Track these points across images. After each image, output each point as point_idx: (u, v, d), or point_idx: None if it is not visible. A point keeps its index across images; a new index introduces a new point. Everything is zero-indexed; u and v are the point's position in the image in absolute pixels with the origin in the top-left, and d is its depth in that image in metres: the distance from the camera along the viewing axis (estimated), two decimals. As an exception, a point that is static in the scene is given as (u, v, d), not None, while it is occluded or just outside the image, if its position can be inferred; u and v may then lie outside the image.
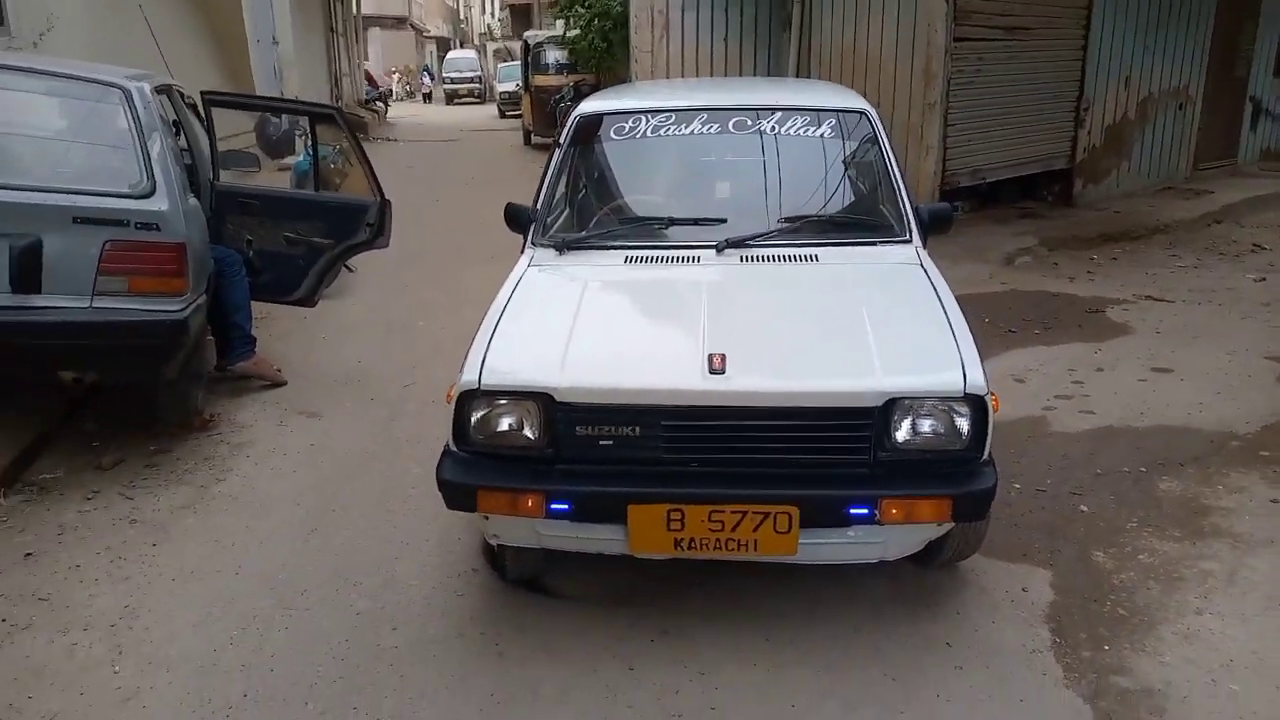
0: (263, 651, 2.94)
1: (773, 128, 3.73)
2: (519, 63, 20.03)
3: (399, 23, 40.94)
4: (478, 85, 36.23)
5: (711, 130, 3.76)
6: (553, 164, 3.80)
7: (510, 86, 24.43)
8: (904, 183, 3.65)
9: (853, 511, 2.65)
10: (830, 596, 3.13)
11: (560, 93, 15.09)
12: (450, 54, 41.97)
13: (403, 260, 7.68)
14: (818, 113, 3.80)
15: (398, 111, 28.29)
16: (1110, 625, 3.01)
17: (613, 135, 3.85)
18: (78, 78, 4.09)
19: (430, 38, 50.87)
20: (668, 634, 2.97)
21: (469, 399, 2.72)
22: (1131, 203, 10.01)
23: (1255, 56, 11.39)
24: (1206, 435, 4.46)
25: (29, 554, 3.52)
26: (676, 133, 3.75)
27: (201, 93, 4.95)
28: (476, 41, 53.64)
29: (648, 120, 3.78)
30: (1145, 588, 3.22)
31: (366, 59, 32.90)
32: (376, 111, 22.77)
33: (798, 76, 9.48)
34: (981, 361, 2.73)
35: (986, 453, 2.71)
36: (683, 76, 9.97)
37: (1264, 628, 2.98)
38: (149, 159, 3.86)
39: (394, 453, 4.30)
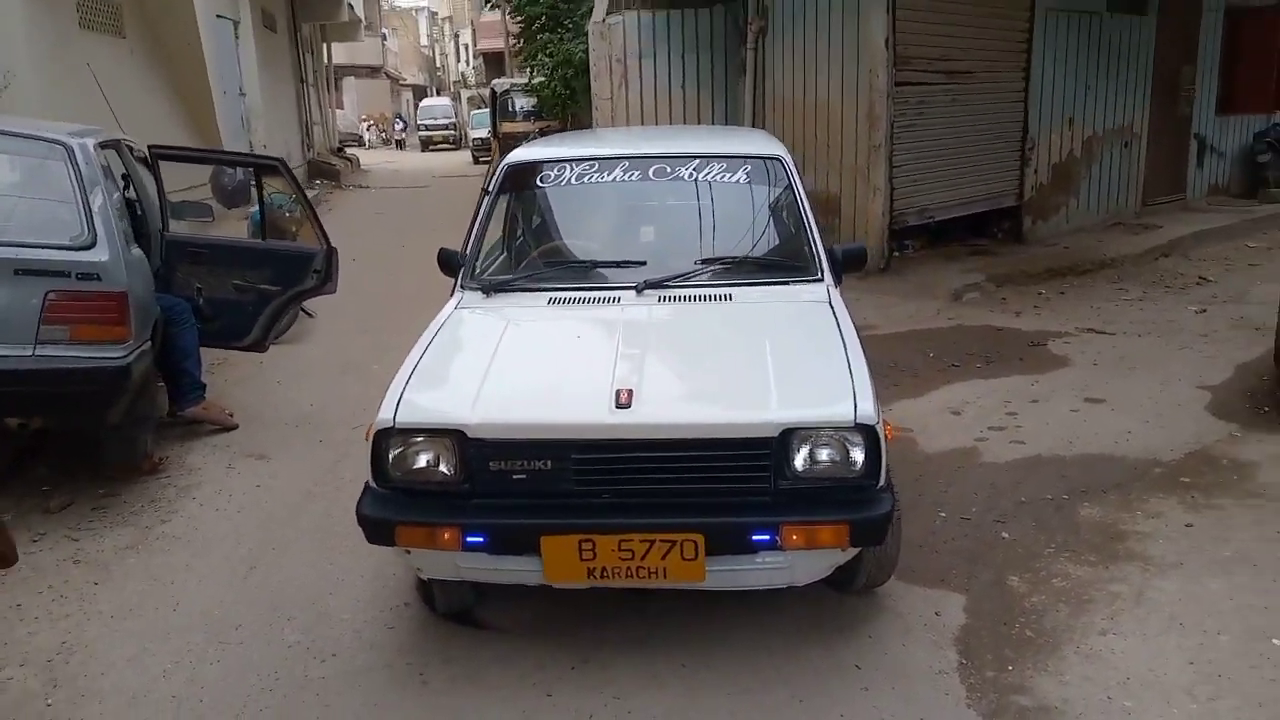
0: (194, 683, 3.02)
1: (691, 174, 3.90)
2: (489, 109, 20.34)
3: (374, 71, 41.41)
4: (452, 132, 36.64)
5: (633, 177, 3.92)
6: (482, 210, 3.95)
7: (483, 133, 24.73)
8: (816, 224, 3.81)
9: (756, 538, 2.76)
10: (749, 623, 3.23)
11: (528, 139, 15.32)
12: (425, 101, 42.50)
13: (365, 304, 7.82)
14: (734, 159, 3.98)
15: (371, 158, 28.55)
16: (1016, 647, 3.12)
17: (539, 183, 4.01)
18: (21, 135, 4.23)
19: (406, 85, 51.44)
20: (588, 662, 3.06)
21: (385, 437, 2.83)
22: (1080, 238, 10.25)
23: (1196, 96, 11.75)
24: (1131, 462, 4.60)
25: (-29, 596, 3.59)
26: (599, 180, 3.91)
27: (149, 147, 5.09)
28: (452, 89, 54.24)
29: (572, 168, 3.95)
30: (1055, 610, 3.33)
31: (341, 107, 33.25)
32: (350, 159, 22.98)
33: (754, 122, 9.72)
34: (874, 393, 2.86)
35: (882, 479, 2.83)
36: (642, 123, 10.19)
37: (1163, 646, 3.09)
38: (90, 212, 3.99)
39: (336, 492, 4.38)
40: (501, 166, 4.09)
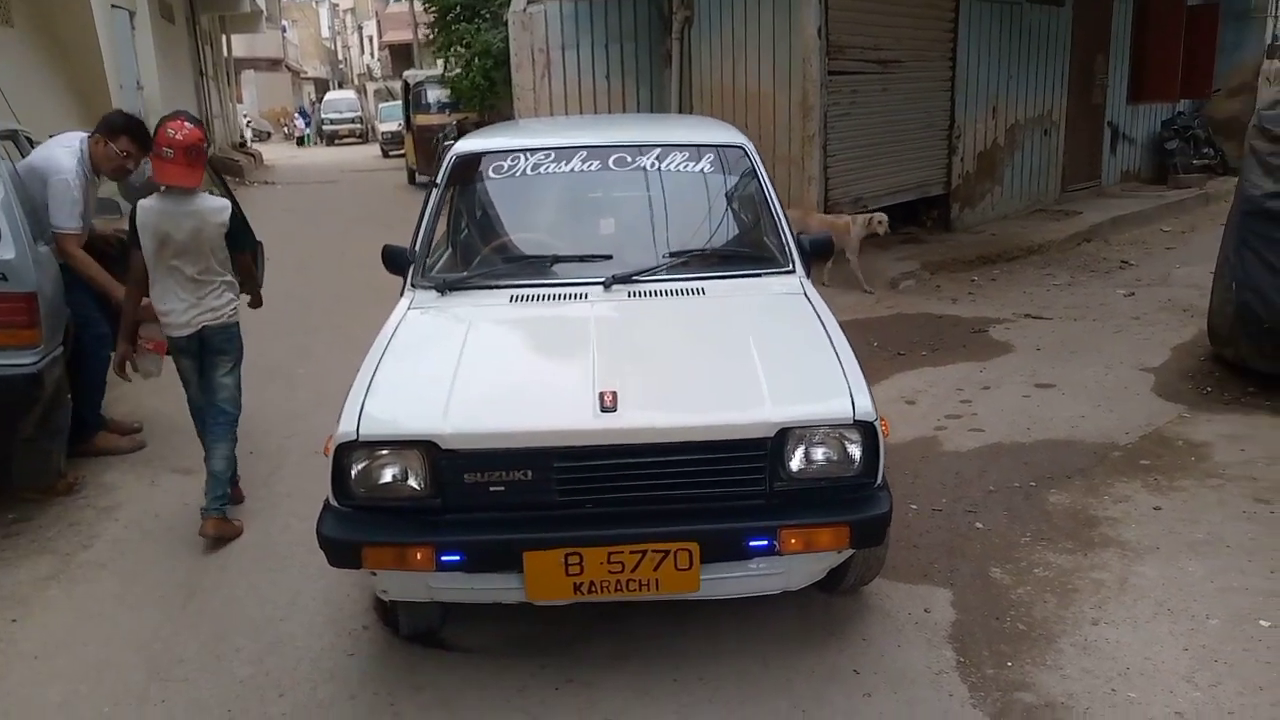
0: (136, 730, 2.73)
1: (653, 164, 3.72)
2: (400, 102, 19.84)
3: (274, 65, 40.08)
4: (359, 125, 35.69)
5: (592, 167, 3.72)
6: (430, 204, 3.70)
7: (393, 126, 24.14)
8: (784, 214, 3.67)
9: (753, 544, 2.61)
10: (736, 630, 3.08)
11: (444, 131, 14.96)
12: (329, 95, 41.20)
13: (283, 304, 7.39)
14: (697, 148, 3.81)
15: (274, 154, 27.61)
16: (1011, 641, 3.03)
17: (491, 174, 3.78)
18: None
19: (308, 79, 50.01)
20: (572, 682, 2.87)
21: (348, 451, 2.59)
22: (1005, 225, 10.40)
23: (1110, 84, 12.03)
24: (1090, 447, 4.59)
25: None
26: (557, 170, 3.70)
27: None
28: (356, 82, 52.95)
29: (527, 158, 3.72)
30: (1042, 601, 3.26)
31: (240, 101, 32.07)
32: (254, 155, 22.17)
33: (680, 112, 9.58)
34: (869, 387, 2.73)
35: (880, 477, 2.71)
36: (566, 114, 9.97)
37: (1155, 634, 3.04)
38: (-8, 207, 3.63)
39: (273, 508, 4.08)
40: (450, 157, 3.83)
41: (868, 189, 8.90)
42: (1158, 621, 3.11)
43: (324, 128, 36.11)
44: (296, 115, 38.81)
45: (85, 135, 4.36)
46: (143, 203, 3.63)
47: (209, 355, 3.82)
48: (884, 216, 7.78)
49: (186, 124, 3.57)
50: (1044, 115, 11.00)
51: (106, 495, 4.30)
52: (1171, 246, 9.88)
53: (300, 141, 36.32)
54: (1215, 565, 3.45)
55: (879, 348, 6.36)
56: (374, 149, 28.78)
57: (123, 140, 4.31)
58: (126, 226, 3.78)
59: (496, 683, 2.87)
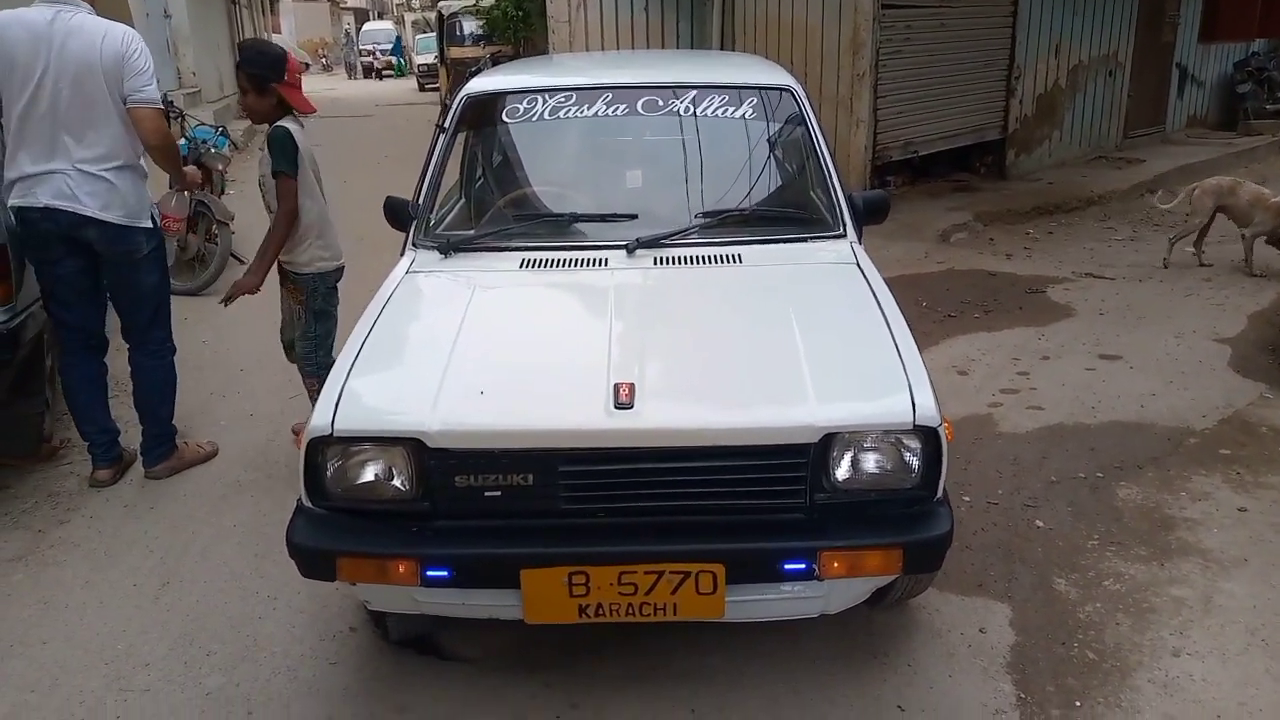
0: (86, 750, 2.44)
1: (687, 108, 3.26)
2: (436, 34, 19.31)
3: (312, -8, 39.37)
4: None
5: (619, 112, 3.27)
6: (436, 151, 3.29)
7: (429, 59, 23.62)
8: (835, 168, 3.22)
9: (788, 567, 2.23)
10: (764, 651, 2.72)
11: (478, 64, 14.46)
12: (366, 25, 40.42)
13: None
14: (738, 90, 3.34)
15: (308, 87, 27.08)
16: (1080, 673, 2.65)
17: (505, 118, 3.35)
18: None
19: (347, 9, 49.18)
20: (577, 707, 2.53)
21: (321, 446, 2.23)
22: (1064, 173, 9.79)
23: (1181, 22, 11.24)
24: (1162, 432, 4.15)
25: None
26: (578, 115, 3.26)
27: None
28: (395, 12, 52.01)
29: (544, 100, 3.28)
30: (1114, 622, 2.87)
31: (279, 32, 31.49)
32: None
33: (722, 47, 9.03)
34: (932, 384, 2.31)
35: (940, 490, 2.31)
36: (602, 48, 9.46)
37: (1248, 670, 2.64)
38: (-45, 150, 3.27)
39: (269, 480, 3.77)
40: (460, 98, 3.41)
41: (919, 133, 8.34)
42: (1251, 655, 2.71)
43: (361, 59, 35.33)
44: (372, 47, 35.72)
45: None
46: (292, 127, 3.60)
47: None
48: None
49: (292, 57, 3.73)
50: (1109, 55, 10.28)
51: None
52: (1244, 200, 9.22)
53: (367, 72, 34.24)
54: (1314, 584, 3.04)
55: (928, 308, 5.90)
56: (411, 82, 28.20)
57: None
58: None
59: (492, 703, 2.55)
